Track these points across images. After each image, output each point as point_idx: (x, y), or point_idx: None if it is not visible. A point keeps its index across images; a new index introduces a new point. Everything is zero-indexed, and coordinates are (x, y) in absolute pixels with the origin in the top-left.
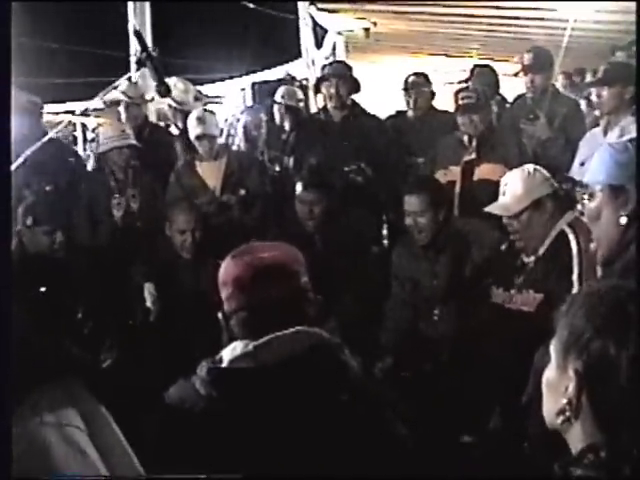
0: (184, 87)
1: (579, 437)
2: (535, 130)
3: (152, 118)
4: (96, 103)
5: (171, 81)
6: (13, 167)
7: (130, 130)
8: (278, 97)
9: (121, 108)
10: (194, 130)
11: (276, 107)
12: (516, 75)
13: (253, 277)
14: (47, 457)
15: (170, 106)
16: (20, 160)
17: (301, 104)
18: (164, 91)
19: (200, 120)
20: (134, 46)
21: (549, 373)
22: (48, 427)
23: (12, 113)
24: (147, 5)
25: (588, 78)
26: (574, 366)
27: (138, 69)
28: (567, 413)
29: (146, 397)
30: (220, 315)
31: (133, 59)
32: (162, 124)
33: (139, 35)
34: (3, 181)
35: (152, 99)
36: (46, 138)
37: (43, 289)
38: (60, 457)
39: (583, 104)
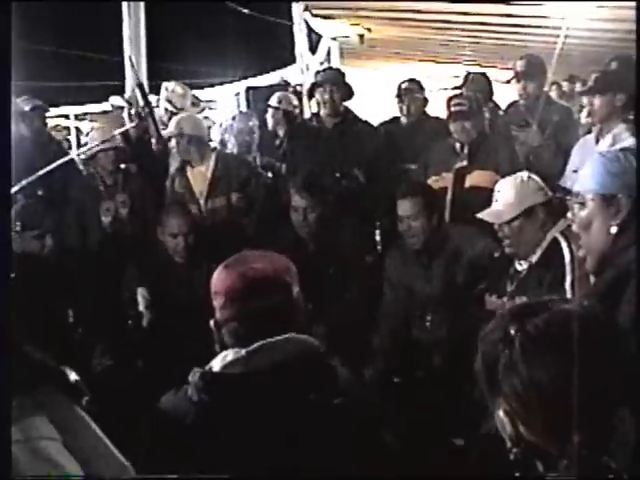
0: (182, 91)
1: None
2: (527, 137)
3: None
4: (92, 107)
5: (170, 85)
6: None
7: (118, 134)
8: (274, 102)
9: (124, 114)
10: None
11: (270, 112)
12: (508, 82)
13: (245, 288)
14: (18, 475)
15: (167, 110)
16: (33, 177)
17: (296, 110)
18: (162, 147)
19: (176, 121)
20: (136, 98)
21: (496, 420)
22: (16, 445)
23: (15, 119)
24: (142, 10)
25: (579, 87)
26: (503, 408)
27: (139, 122)
28: (515, 450)
29: (139, 402)
30: (212, 323)
31: (133, 110)
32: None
33: (141, 87)
34: (3, 182)
35: (156, 105)
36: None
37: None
38: (31, 473)
39: (577, 112)
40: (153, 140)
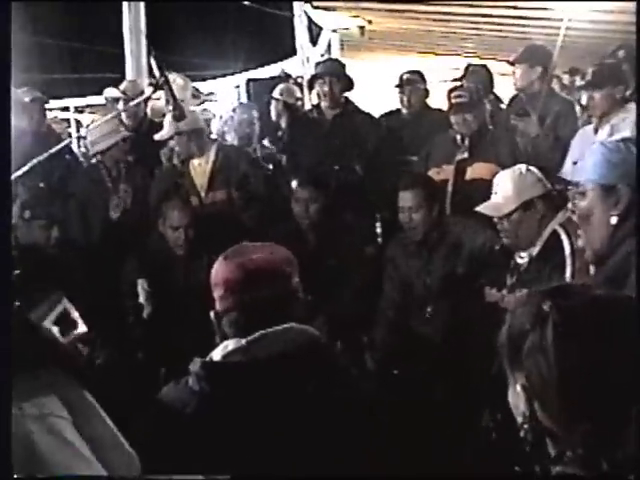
0: (183, 83)
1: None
2: (525, 127)
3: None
4: (92, 100)
5: (170, 76)
6: (20, 172)
7: (121, 125)
8: (276, 94)
9: (120, 105)
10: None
11: (273, 104)
12: (510, 64)
13: (244, 278)
14: (31, 450)
15: (168, 102)
16: (29, 165)
17: (298, 102)
18: (179, 115)
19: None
20: (152, 69)
21: (510, 395)
22: (30, 419)
23: (15, 110)
24: (141, 2)
25: (579, 80)
26: (521, 383)
27: (154, 91)
28: (526, 426)
29: (139, 394)
30: (212, 315)
31: (148, 81)
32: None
33: (156, 58)
34: (3, 180)
35: (150, 97)
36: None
37: (17, 272)
38: (44, 449)
39: (578, 104)
40: (170, 107)
